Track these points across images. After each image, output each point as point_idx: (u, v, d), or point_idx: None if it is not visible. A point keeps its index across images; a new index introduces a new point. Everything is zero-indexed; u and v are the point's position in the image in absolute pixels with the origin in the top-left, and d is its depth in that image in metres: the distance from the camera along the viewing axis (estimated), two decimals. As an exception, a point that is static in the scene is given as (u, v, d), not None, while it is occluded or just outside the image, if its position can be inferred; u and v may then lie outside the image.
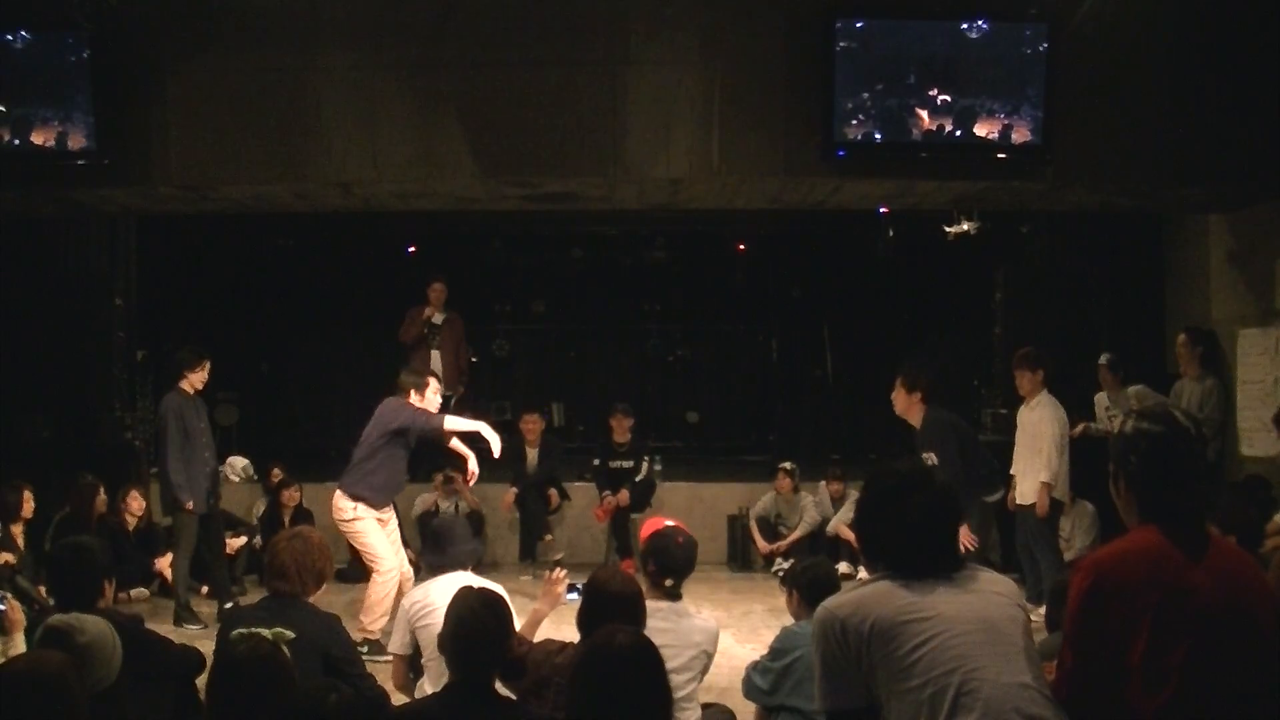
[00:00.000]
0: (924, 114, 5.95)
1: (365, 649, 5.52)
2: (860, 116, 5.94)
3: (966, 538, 5.35)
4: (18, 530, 6.61)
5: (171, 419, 6.59)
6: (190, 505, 6.60)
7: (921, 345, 10.47)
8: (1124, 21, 6.12)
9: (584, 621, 3.34)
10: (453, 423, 6.02)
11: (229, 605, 6.44)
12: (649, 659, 2.48)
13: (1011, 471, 6.74)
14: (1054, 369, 6.83)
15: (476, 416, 6.50)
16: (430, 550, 4.44)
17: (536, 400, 10.33)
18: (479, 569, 4.78)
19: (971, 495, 6.23)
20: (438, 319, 8.91)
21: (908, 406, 6.20)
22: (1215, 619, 2.14)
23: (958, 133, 5.98)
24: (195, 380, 6.73)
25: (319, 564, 3.65)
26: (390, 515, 6.15)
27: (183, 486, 6.57)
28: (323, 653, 3.45)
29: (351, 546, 8.05)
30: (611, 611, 3.25)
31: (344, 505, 5.95)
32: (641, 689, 2.42)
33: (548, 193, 6.65)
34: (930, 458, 5.89)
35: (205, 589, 7.13)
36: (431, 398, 6.14)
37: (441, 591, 3.83)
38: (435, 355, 8.92)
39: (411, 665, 4.25)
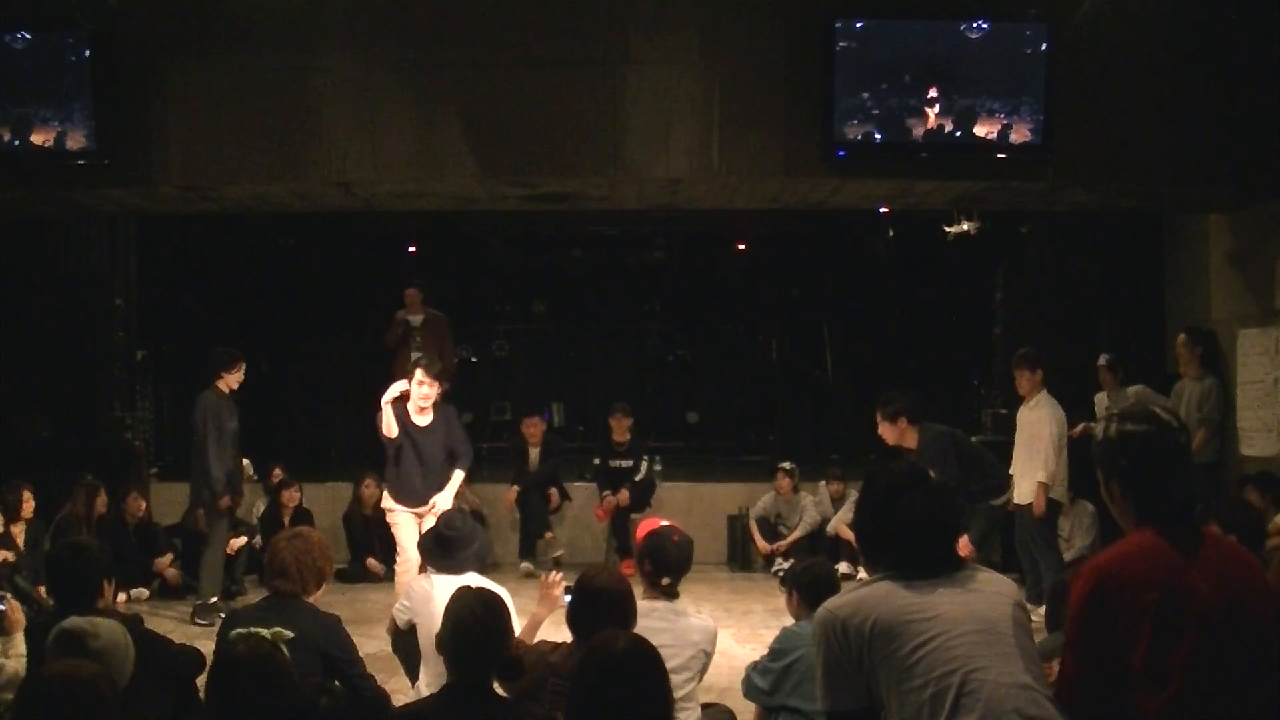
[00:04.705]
0: (924, 114, 5.95)
1: None
2: (860, 116, 5.93)
3: (965, 548, 5.35)
4: (18, 530, 6.62)
5: (209, 418, 6.63)
6: (226, 502, 6.68)
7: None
8: (1124, 21, 6.12)
9: (574, 620, 3.35)
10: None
11: (220, 601, 6.48)
12: (649, 662, 2.48)
13: (1010, 471, 6.74)
14: (1053, 369, 6.84)
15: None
16: (438, 556, 4.43)
17: (536, 400, 10.35)
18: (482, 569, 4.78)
19: (973, 505, 6.22)
20: (415, 320, 8.93)
21: (899, 435, 6.15)
22: (1215, 617, 2.14)
23: (958, 133, 5.98)
24: (231, 381, 6.79)
25: (319, 563, 3.65)
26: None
27: (221, 480, 6.63)
28: (322, 653, 3.45)
29: (350, 547, 8.14)
30: (600, 609, 3.26)
31: (386, 502, 6.31)
32: (643, 693, 2.43)
33: (548, 193, 6.65)
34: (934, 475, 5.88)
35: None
36: (415, 388, 6.15)
37: (445, 587, 3.85)
38: (416, 358, 8.94)
39: (408, 644, 4.30)
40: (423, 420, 6.18)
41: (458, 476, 6.24)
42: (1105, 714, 2.17)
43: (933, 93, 5.93)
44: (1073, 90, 6.05)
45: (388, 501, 6.26)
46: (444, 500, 6.08)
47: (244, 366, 6.82)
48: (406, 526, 6.12)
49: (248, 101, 6.15)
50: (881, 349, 11.25)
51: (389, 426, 6.06)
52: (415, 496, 6.12)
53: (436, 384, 6.16)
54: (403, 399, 6.17)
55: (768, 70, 6.11)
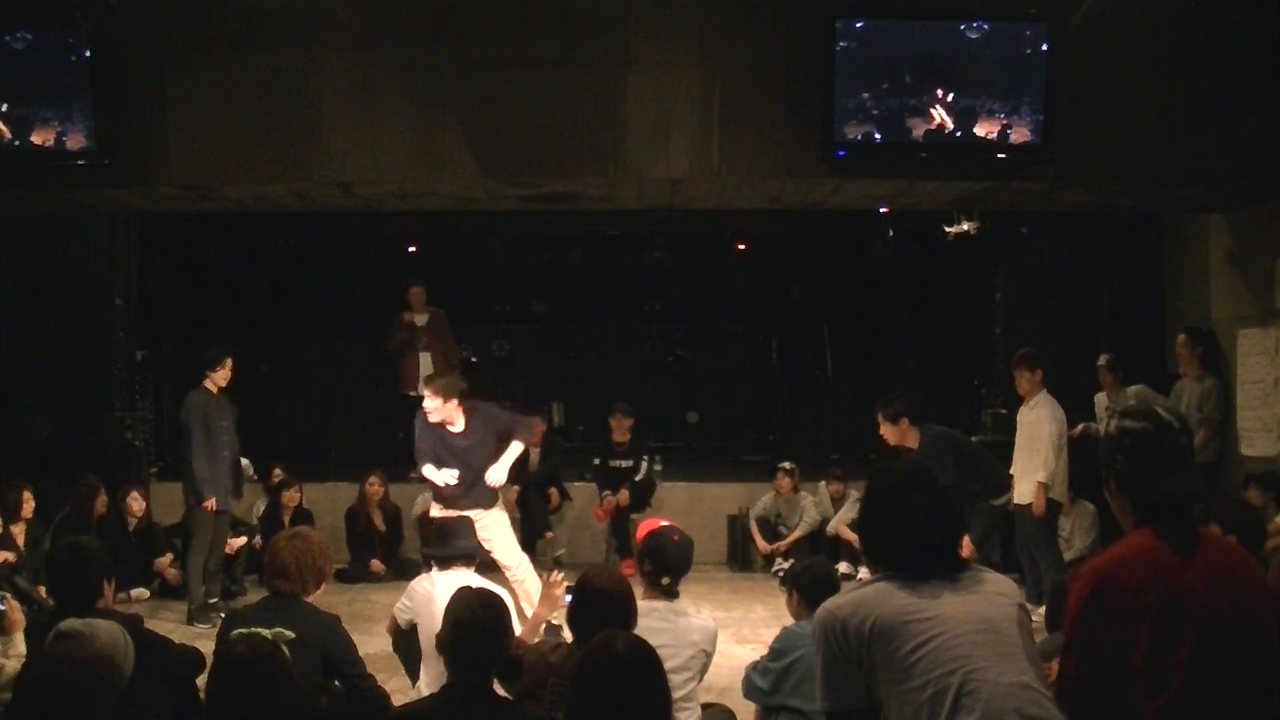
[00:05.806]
0: (924, 114, 5.95)
1: None
2: (860, 116, 5.93)
3: (966, 548, 5.35)
4: (18, 530, 6.62)
5: (196, 416, 6.63)
6: (212, 503, 6.62)
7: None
8: (1124, 21, 6.12)
9: (574, 620, 3.35)
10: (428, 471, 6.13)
11: (219, 601, 6.48)
12: (649, 663, 2.48)
13: (1010, 471, 6.74)
14: (1053, 369, 6.83)
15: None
16: (436, 544, 4.51)
17: (537, 400, 10.34)
18: (479, 568, 4.80)
19: (973, 506, 6.22)
20: (420, 320, 8.92)
21: (900, 435, 6.16)
22: (1214, 618, 2.14)
23: (958, 133, 5.97)
24: (218, 379, 6.77)
25: (319, 563, 3.65)
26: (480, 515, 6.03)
27: (207, 481, 6.60)
28: (322, 653, 3.45)
29: (350, 547, 8.14)
30: (601, 609, 3.26)
31: (434, 511, 6.24)
32: (642, 693, 2.43)
33: (548, 193, 6.65)
34: None
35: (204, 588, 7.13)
36: (428, 401, 6.11)
37: (445, 586, 3.87)
38: (425, 357, 8.93)
39: (409, 644, 4.32)
40: (456, 428, 6.09)
41: (515, 447, 6.13)
42: (1105, 715, 2.17)
43: (932, 93, 5.93)
44: (1073, 90, 6.05)
45: (435, 510, 6.20)
46: (498, 473, 6.01)
47: (230, 364, 6.79)
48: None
49: (248, 101, 6.15)
50: (881, 349, 11.24)
51: (445, 480, 5.98)
52: (461, 503, 6.01)
53: (439, 398, 6.02)
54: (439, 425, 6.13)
55: (768, 70, 6.11)
